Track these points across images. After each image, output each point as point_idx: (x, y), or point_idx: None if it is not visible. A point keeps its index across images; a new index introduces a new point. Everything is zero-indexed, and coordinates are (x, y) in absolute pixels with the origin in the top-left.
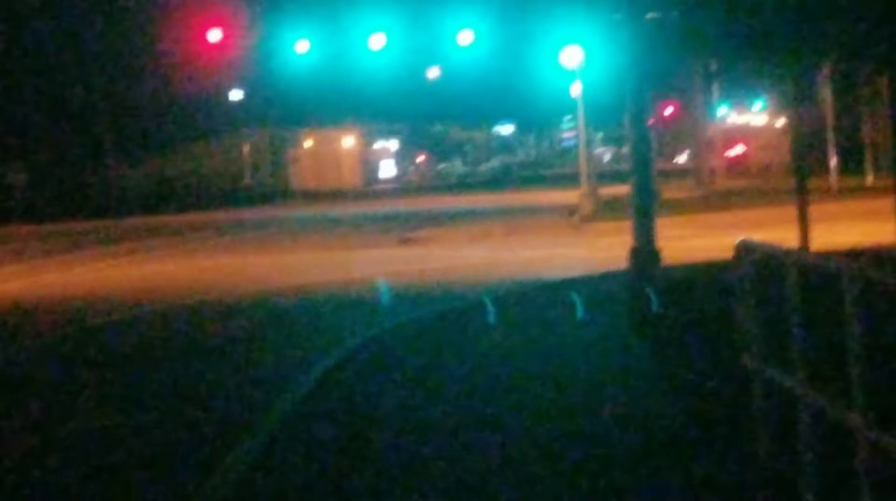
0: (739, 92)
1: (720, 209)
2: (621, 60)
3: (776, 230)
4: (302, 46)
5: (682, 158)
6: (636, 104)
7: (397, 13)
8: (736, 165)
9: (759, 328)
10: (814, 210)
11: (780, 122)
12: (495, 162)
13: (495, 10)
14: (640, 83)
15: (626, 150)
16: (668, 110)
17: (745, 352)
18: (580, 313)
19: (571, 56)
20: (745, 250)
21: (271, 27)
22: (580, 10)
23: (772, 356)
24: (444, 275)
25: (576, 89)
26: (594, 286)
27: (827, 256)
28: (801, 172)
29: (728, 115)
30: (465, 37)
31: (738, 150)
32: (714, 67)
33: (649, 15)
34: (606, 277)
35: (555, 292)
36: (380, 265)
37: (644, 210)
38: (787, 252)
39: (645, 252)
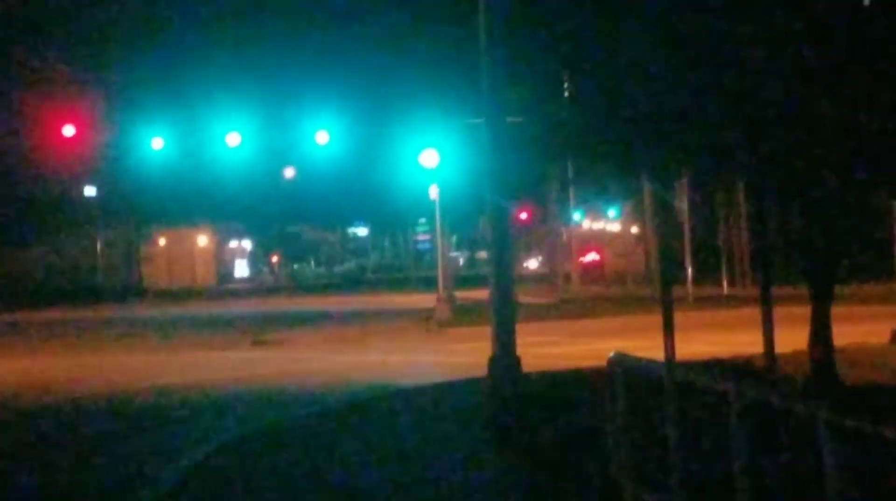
0: (594, 198)
1: (577, 316)
2: (479, 164)
3: (635, 339)
4: (157, 143)
5: (532, 263)
6: (496, 210)
7: (254, 112)
8: (590, 272)
9: (629, 441)
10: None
11: (634, 229)
12: (350, 264)
13: (353, 112)
14: (500, 188)
15: (481, 254)
16: (523, 215)
17: (614, 464)
18: (434, 422)
19: (429, 159)
20: (617, 363)
21: (127, 123)
22: (438, 113)
23: (642, 468)
24: (296, 379)
25: (434, 192)
26: (451, 394)
27: (699, 369)
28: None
29: (582, 221)
30: (322, 137)
31: (593, 256)
32: (571, 172)
33: (510, 119)
34: (463, 384)
35: (410, 399)
36: (230, 369)
37: (503, 317)
38: (665, 366)
39: (504, 361)
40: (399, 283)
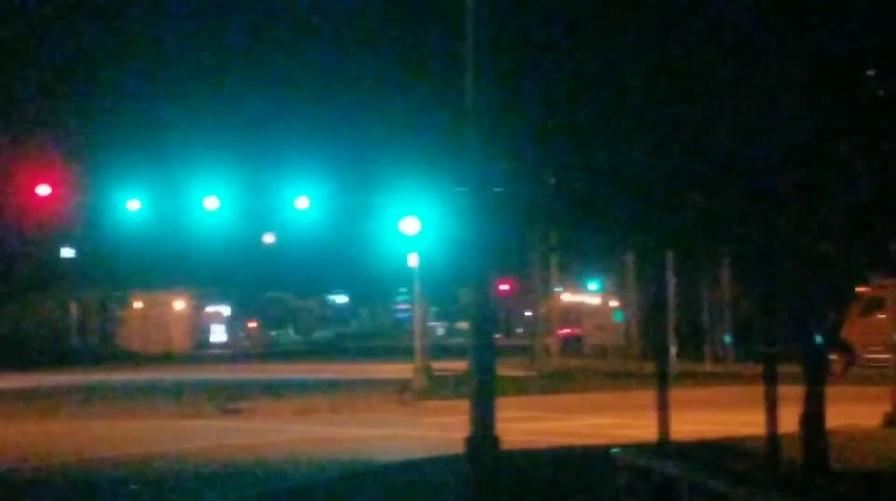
0: (575, 271)
1: (557, 391)
2: (461, 233)
3: (618, 416)
4: (133, 205)
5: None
6: (477, 280)
7: (234, 176)
8: (570, 345)
9: None
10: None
11: (614, 303)
12: (328, 331)
13: (333, 178)
14: (483, 258)
15: (461, 325)
16: (504, 287)
17: None
18: None
19: (409, 226)
20: (621, 462)
21: (104, 185)
22: (420, 180)
23: None
24: (261, 452)
25: (413, 261)
26: (425, 474)
27: (702, 453)
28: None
29: (562, 293)
30: (302, 203)
31: (573, 330)
32: (553, 244)
33: (495, 189)
34: (439, 462)
35: (381, 478)
36: (198, 439)
37: (483, 394)
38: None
39: (483, 442)
40: (377, 352)
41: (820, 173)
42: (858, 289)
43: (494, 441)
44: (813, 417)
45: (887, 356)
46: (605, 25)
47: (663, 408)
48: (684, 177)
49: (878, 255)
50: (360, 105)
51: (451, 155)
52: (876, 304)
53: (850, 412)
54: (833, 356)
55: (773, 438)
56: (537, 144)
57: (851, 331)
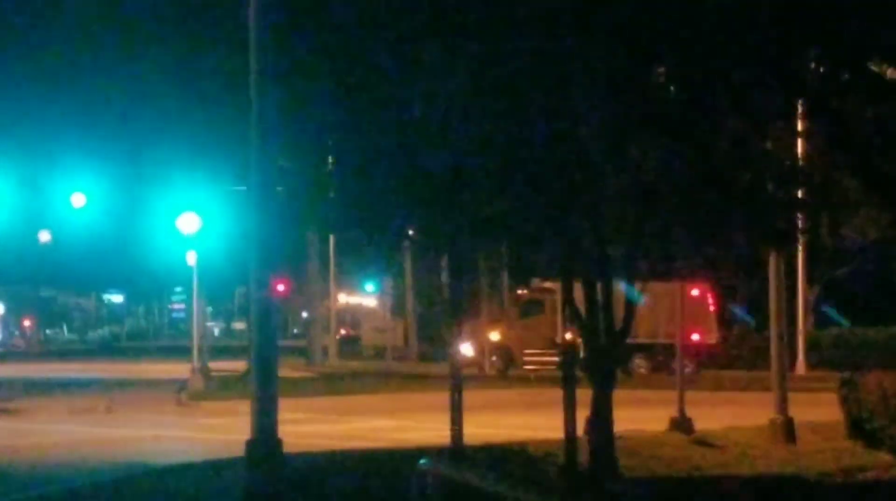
0: (353, 273)
1: (337, 392)
2: (241, 231)
3: (397, 417)
4: None
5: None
6: (259, 281)
7: (5, 170)
8: (348, 346)
9: None
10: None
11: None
12: (104, 330)
13: (111, 174)
14: (265, 258)
15: (237, 325)
16: (280, 287)
17: None
18: None
19: (188, 223)
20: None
21: None
22: (200, 178)
23: None
24: (32, 454)
25: (191, 258)
26: (204, 476)
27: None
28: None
29: (339, 294)
30: (78, 199)
31: (350, 330)
32: (332, 244)
33: (278, 188)
34: (217, 465)
35: (159, 481)
36: None
37: (265, 396)
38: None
39: (263, 445)
40: (153, 351)
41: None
42: (519, 291)
43: (276, 445)
44: (600, 421)
45: (546, 358)
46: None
47: (456, 412)
48: (466, 175)
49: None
50: (139, 99)
51: (232, 152)
52: (535, 306)
53: (633, 417)
54: (493, 358)
55: (571, 441)
56: (318, 140)
57: (510, 334)
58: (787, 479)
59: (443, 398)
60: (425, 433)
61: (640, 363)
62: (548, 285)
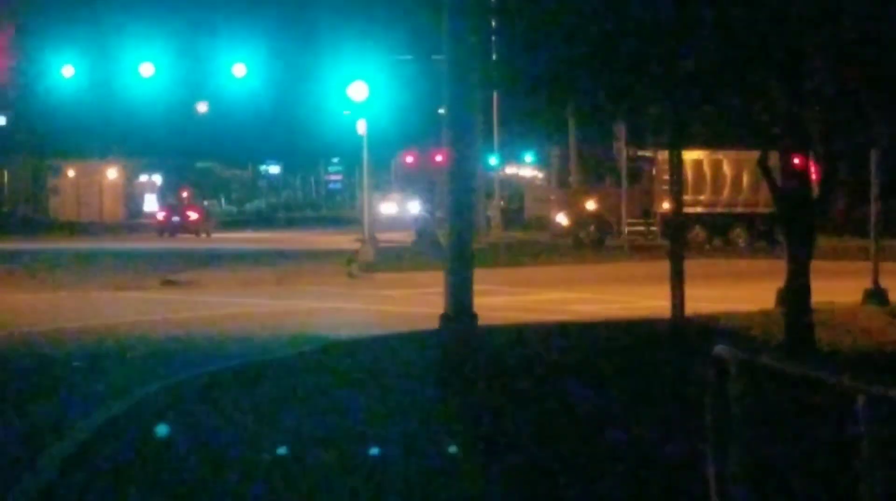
0: (511, 143)
1: (508, 264)
2: (409, 101)
3: (574, 290)
4: (68, 71)
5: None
6: (457, 153)
7: (169, 42)
8: (510, 216)
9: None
10: (614, 269)
11: (540, 174)
12: (260, 202)
13: (273, 44)
14: (459, 127)
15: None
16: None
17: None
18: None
19: (357, 92)
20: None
21: (37, 50)
22: (365, 46)
23: None
24: (213, 326)
25: (362, 127)
26: (396, 350)
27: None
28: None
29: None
30: (239, 70)
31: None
32: (495, 108)
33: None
34: (411, 337)
35: (349, 354)
36: (139, 312)
37: (460, 272)
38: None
39: (461, 320)
40: (310, 222)
41: None
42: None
43: (473, 320)
44: (797, 292)
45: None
46: None
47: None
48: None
49: None
50: None
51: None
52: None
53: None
54: (591, 227)
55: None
56: None
57: (607, 203)
58: None
59: (615, 269)
60: (610, 305)
61: (739, 233)
62: (647, 152)
